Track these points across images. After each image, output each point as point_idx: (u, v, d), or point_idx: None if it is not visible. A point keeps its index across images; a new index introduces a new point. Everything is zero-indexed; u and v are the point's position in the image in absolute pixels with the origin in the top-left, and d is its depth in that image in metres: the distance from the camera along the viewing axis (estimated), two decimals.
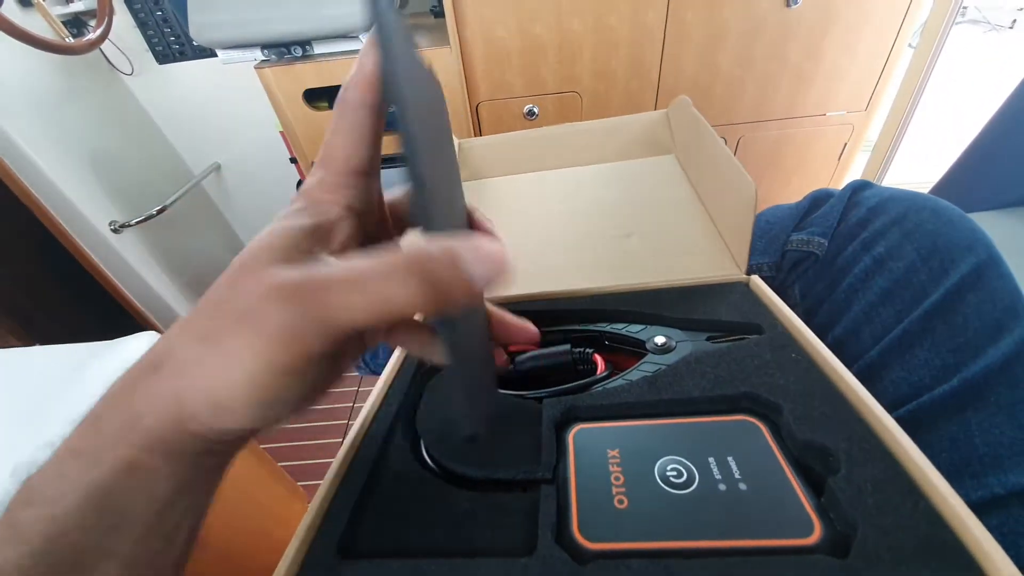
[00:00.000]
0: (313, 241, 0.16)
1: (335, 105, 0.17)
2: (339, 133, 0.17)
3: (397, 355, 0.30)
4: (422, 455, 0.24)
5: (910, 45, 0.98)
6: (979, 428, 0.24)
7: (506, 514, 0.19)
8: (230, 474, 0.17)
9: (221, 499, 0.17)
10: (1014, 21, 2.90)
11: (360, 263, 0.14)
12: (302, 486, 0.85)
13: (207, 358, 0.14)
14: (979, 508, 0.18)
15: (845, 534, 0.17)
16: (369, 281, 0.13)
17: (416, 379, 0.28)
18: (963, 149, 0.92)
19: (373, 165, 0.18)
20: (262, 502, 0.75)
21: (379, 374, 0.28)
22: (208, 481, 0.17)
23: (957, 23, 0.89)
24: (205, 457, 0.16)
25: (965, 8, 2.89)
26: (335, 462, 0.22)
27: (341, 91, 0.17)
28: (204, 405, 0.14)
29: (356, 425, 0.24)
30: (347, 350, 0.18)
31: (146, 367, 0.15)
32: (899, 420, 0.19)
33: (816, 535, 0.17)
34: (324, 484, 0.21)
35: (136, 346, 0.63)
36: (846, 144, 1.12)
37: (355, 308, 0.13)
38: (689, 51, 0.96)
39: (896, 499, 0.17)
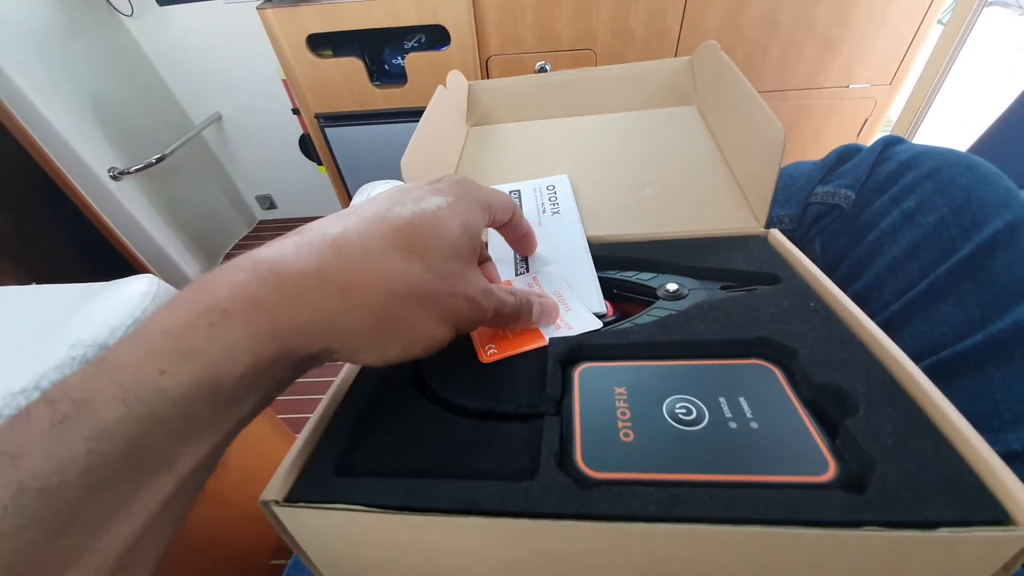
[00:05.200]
0: (478, 248, 0.22)
1: None
2: None
3: None
4: (423, 385, 0.23)
5: (940, 21, 0.94)
6: (1001, 384, 0.23)
7: (508, 442, 0.19)
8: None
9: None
10: None
11: (513, 301, 0.22)
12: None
13: (368, 326, 0.17)
14: None
15: (861, 473, 0.16)
16: (514, 316, 0.22)
17: None
18: (985, 129, 0.89)
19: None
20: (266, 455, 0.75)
21: None
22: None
23: (989, 3, 0.85)
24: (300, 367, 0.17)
25: None
26: (332, 388, 0.22)
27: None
28: (349, 349, 0.17)
29: None
30: None
31: (259, 287, 0.15)
32: None
33: (831, 472, 0.16)
34: (321, 407, 0.21)
35: (135, 288, 0.62)
36: (866, 120, 1.09)
37: (496, 323, 0.23)
38: (712, 10, 0.91)
39: (916, 440, 0.16)
